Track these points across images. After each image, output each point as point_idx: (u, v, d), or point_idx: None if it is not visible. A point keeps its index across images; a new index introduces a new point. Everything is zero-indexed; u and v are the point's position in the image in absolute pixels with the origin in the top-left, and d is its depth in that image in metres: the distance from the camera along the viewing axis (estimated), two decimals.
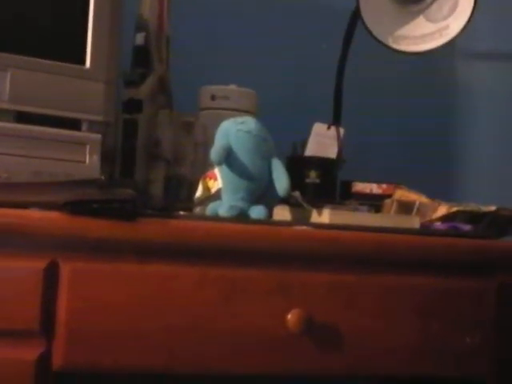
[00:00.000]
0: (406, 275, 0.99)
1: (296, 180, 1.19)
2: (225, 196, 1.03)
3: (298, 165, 1.33)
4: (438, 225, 1.11)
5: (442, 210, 1.14)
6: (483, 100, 1.72)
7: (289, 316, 0.92)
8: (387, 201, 1.23)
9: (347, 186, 1.35)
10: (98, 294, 0.87)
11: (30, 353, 0.85)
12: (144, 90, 1.23)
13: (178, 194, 1.22)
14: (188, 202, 1.14)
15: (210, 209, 1.04)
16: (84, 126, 1.01)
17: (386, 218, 1.09)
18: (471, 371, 1.02)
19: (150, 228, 0.89)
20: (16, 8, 0.97)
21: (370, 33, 1.28)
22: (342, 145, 1.37)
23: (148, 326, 0.88)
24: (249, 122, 1.03)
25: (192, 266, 0.91)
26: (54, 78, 0.97)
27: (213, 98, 1.30)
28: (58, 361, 0.86)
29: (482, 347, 1.00)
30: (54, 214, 0.86)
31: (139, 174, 1.21)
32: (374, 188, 1.33)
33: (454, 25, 1.30)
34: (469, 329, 1.01)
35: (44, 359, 0.86)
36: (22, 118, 0.96)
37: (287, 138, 1.33)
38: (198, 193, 1.10)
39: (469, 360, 1.01)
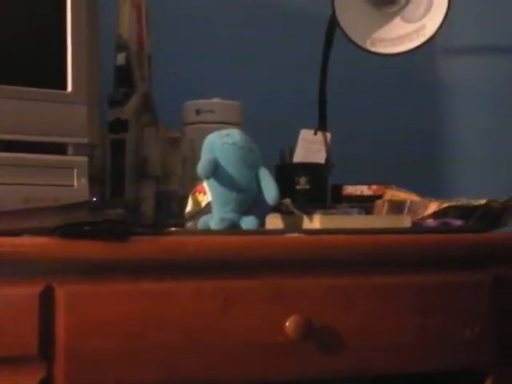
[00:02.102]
0: (400, 274, 1.00)
1: (286, 187, 1.20)
2: (215, 209, 1.04)
3: (287, 172, 1.34)
4: (430, 222, 1.12)
5: (433, 206, 1.15)
6: (466, 95, 1.73)
7: (287, 323, 0.92)
8: (378, 202, 1.23)
9: (338, 189, 1.35)
10: (95, 315, 0.87)
11: (31, 379, 0.85)
12: (129, 110, 1.23)
13: (170, 209, 1.22)
14: (179, 218, 1.15)
15: (201, 223, 1.04)
16: (70, 150, 1.01)
17: (377, 219, 1.10)
18: (473, 363, 1.02)
19: (142, 246, 0.90)
20: None
21: (348, 38, 1.29)
22: (329, 149, 1.37)
23: (147, 342, 0.89)
24: (234, 134, 1.04)
25: (187, 281, 0.91)
26: (36, 105, 0.98)
27: (198, 112, 1.31)
28: None
29: (481, 338, 1.01)
30: (45, 240, 0.86)
31: (129, 193, 1.21)
32: (364, 190, 1.34)
33: (431, 24, 1.31)
34: (468, 321, 1.01)
35: None
36: (8, 146, 0.97)
37: (274, 147, 1.34)
38: (189, 208, 1.11)
39: (470, 352, 1.01)
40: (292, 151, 1.38)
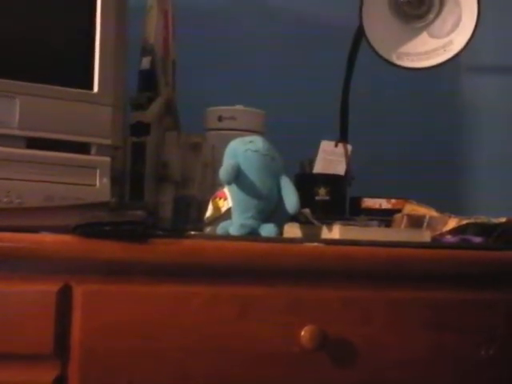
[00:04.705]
0: (418, 289, 0.99)
1: (305, 197, 1.19)
2: (235, 215, 1.04)
3: (306, 182, 1.34)
4: (449, 238, 1.11)
5: (452, 223, 1.14)
6: (489, 113, 1.73)
7: (302, 332, 0.92)
8: (397, 215, 1.23)
9: (356, 202, 1.35)
10: (112, 316, 0.88)
11: (45, 376, 0.86)
12: (151, 113, 1.24)
13: (188, 214, 1.23)
14: (198, 223, 1.15)
15: (220, 228, 1.04)
16: (93, 150, 1.01)
17: (397, 233, 1.09)
18: (487, 383, 1.01)
19: (161, 248, 0.90)
20: (23, 36, 0.98)
21: (374, 50, 1.29)
22: (349, 161, 1.37)
23: (162, 345, 0.89)
24: (257, 142, 1.04)
25: (204, 285, 0.91)
26: (62, 104, 0.98)
27: (220, 118, 1.31)
28: (74, 383, 0.86)
29: (497, 358, 1.00)
30: (65, 238, 0.87)
31: (149, 196, 1.21)
32: (383, 203, 1.33)
33: (458, 40, 1.31)
34: (483, 341, 1.00)
35: (60, 382, 0.86)
36: (33, 143, 0.97)
37: (295, 157, 1.34)
38: (208, 212, 1.11)
39: (484, 371, 1.00)
40: (312, 162, 1.38)
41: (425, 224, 1.16)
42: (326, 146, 1.38)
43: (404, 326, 0.98)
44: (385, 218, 1.24)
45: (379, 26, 1.31)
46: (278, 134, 1.25)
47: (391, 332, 0.97)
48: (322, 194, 1.32)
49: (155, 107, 1.25)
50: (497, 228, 1.10)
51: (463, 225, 1.13)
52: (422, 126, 1.66)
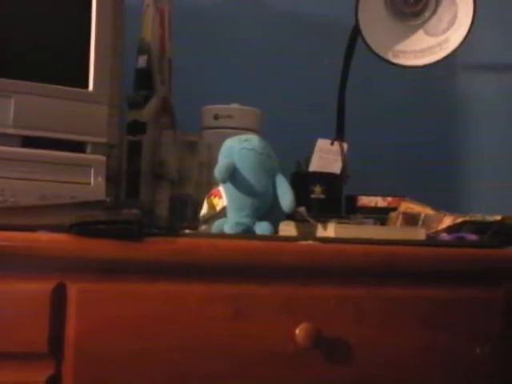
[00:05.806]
0: (413, 287, 0.99)
1: (301, 196, 1.19)
2: (230, 213, 1.04)
3: (302, 181, 1.34)
4: (444, 236, 1.11)
5: (448, 221, 1.15)
6: (485, 111, 1.73)
7: (297, 331, 0.92)
8: (392, 213, 1.23)
9: (352, 200, 1.35)
10: (106, 314, 0.88)
11: (39, 375, 0.86)
12: (147, 112, 1.24)
13: (184, 213, 1.23)
14: (193, 221, 1.15)
15: (215, 226, 1.04)
16: (88, 149, 1.01)
17: (392, 231, 1.09)
18: (482, 381, 1.01)
19: (156, 247, 0.90)
20: (18, 34, 0.98)
21: (370, 48, 1.29)
22: (345, 159, 1.37)
23: (157, 344, 0.89)
24: (252, 140, 1.04)
25: (199, 284, 0.91)
26: (57, 102, 0.98)
27: (216, 117, 1.31)
28: (67, 382, 0.86)
29: (491, 357, 1.00)
30: (60, 236, 0.87)
31: (144, 195, 1.22)
32: (379, 201, 1.33)
33: (454, 38, 1.31)
34: (478, 339, 1.00)
35: (54, 381, 0.86)
36: (28, 142, 0.97)
37: (291, 155, 1.34)
38: (204, 211, 1.11)
39: (479, 370, 1.00)
40: (308, 160, 1.38)
41: (420, 222, 1.17)
42: (323, 144, 1.38)
43: (399, 324, 0.98)
44: (380, 216, 1.24)
45: (375, 24, 1.32)
46: (274, 132, 1.25)
47: (386, 330, 0.97)
48: (317, 192, 1.32)
49: (151, 106, 1.25)
50: (492, 226, 1.11)
51: (458, 223, 1.13)
52: (418, 124, 1.66)
